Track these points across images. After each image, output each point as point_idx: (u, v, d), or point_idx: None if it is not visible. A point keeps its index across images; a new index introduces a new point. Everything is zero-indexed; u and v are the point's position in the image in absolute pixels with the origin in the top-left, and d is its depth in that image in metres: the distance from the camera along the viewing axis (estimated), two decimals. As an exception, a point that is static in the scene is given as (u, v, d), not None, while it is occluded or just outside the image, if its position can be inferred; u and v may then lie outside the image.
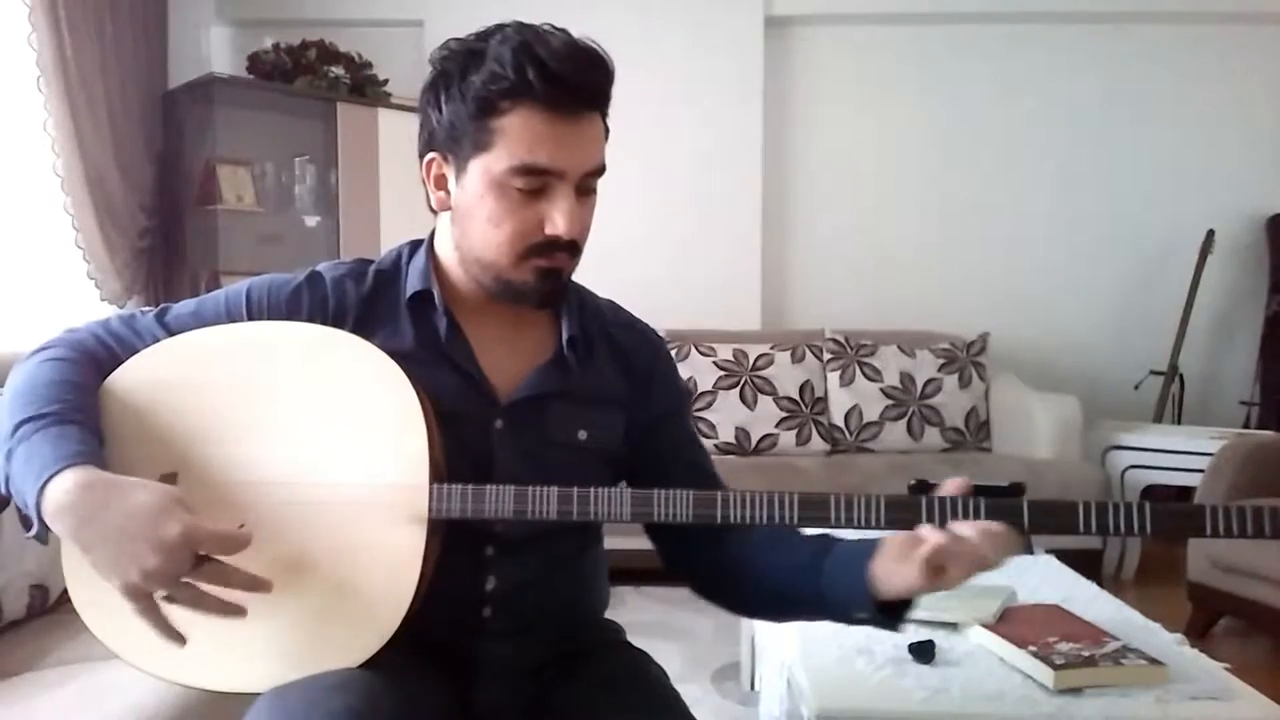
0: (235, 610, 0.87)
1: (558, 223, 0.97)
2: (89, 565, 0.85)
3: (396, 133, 3.83)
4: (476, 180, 0.98)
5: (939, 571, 0.87)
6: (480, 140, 0.96)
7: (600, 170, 1.01)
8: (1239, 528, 0.85)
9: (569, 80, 0.93)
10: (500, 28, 0.98)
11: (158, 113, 3.63)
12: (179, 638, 0.86)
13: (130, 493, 0.85)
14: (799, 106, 4.33)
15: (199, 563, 0.85)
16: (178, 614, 0.86)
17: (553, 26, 0.97)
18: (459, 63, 0.97)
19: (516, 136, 0.94)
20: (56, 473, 0.84)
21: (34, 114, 3.02)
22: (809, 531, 0.98)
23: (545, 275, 1.00)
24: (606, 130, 1.03)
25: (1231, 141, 4.24)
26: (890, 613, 0.94)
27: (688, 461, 1.16)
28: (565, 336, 1.08)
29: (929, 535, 0.87)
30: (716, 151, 4.19)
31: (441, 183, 1.03)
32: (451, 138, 0.99)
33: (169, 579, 0.83)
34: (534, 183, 0.96)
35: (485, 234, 0.99)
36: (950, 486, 0.90)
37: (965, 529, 0.87)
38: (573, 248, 1.00)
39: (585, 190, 1.00)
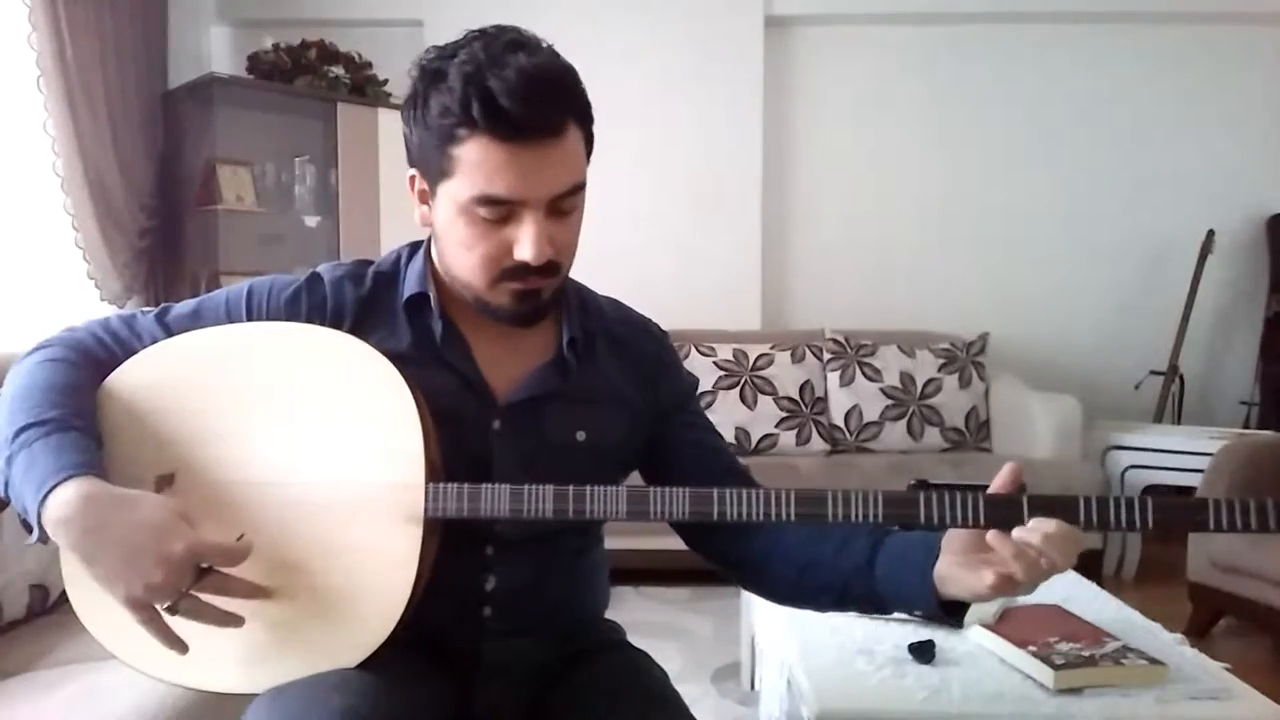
0: (234, 620, 0.88)
1: (525, 249, 0.94)
2: (90, 575, 0.85)
3: (396, 133, 3.71)
4: (446, 204, 0.97)
5: (1010, 581, 0.85)
6: (444, 167, 0.94)
7: (575, 189, 0.96)
8: (1243, 521, 0.84)
9: (515, 115, 0.89)
10: (472, 40, 0.94)
11: (158, 113, 3.62)
12: (182, 645, 0.86)
13: (134, 507, 0.85)
14: (799, 106, 4.33)
15: (200, 575, 0.85)
16: (175, 620, 0.86)
17: (521, 42, 0.93)
18: (424, 82, 0.95)
19: (475, 166, 0.92)
20: (58, 484, 0.84)
21: (34, 114, 3.01)
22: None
23: (521, 297, 0.99)
24: (590, 138, 0.99)
25: (1231, 141, 4.24)
26: (950, 609, 0.94)
27: (706, 446, 1.14)
28: (566, 338, 1.08)
29: (998, 546, 0.85)
30: (716, 151, 4.19)
31: (424, 198, 1.02)
32: (422, 159, 0.98)
33: (172, 592, 0.84)
34: (498, 211, 0.94)
35: (459, 256, 0.99)
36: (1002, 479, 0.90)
37: (1031, 536, 0.85)
38: (549, 268, 0.97)
39: (560, 211, 0.96)
